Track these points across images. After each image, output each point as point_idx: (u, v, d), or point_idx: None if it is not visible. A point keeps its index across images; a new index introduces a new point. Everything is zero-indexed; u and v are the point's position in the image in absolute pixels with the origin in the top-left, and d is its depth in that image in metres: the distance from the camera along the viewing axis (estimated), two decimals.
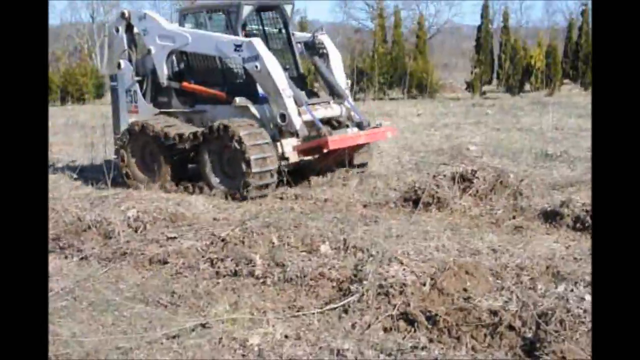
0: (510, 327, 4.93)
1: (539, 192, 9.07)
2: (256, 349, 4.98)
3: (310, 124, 9.93)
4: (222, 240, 7.18)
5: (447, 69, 37.87)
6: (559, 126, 15.69)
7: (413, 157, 12.63)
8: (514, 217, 8.06)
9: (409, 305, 5.37)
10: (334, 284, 6.03)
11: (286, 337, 5.15)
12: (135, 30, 11.37)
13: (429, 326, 5.15)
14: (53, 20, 53.21)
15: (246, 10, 10.45)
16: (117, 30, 11.47)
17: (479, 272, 5.85)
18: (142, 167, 10.93)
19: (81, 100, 27.48)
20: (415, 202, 8.52)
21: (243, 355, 4.93)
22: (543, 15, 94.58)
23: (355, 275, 5.97)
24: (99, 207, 8.61)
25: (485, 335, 4.97)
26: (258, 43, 9.98)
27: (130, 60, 11.40)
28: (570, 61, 27.45)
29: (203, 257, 6.88)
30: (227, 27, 10.55)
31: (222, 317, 5.51)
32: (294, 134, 9.94)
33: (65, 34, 49.60)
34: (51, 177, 11.73)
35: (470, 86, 27.43)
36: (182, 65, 11.26)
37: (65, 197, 9.47)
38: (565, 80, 27.95)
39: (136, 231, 7.94)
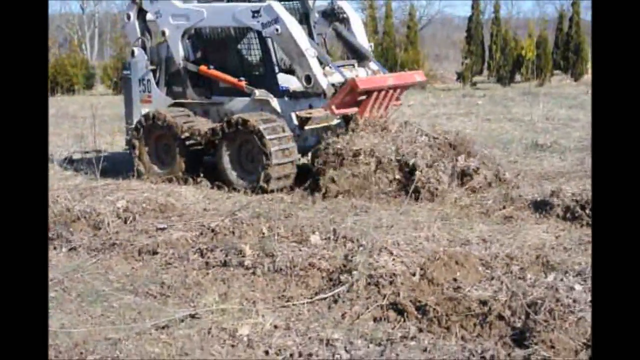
0: (500, 317, 4.94)
1: (529, 182, 9.09)
2: (245, 339, 4.97)
3: (337, 85, 9.44)
4: (212, 230, 7.17)
5: (438, 59, 37.81)
6: (550, 116, 15.70)
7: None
8: (504, 207, 8.06)
9: (398, 295, 5.38)
10: (324, 274, 6.01)
11: (276, 327, 5.15)
12: (149, 16, 10.96)
13: (419, 316, 5.16)
14: (55, 11, 52.80)
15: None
16: (129, 18, 11.06)
17: (469, 262, 5.86)
18: (154, 159, 10.55)
19: (71, 91, 27.29)
20: (407, 192, 8.49)
21: (232, 346, 4.92)
22: (534, 6, 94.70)
23: (345, 266, 5.96)
24: (88, 197, 8.56)
25: (475, 324, 4.97)
26: (276, 5, 9.59)
27: (144, 48, 10.96)
28: (560, 52, 27.45)
29: (193, 247, 6.86)
30: None
31: (212, 308, 5.50)
32: (321, 94, 9.52)
33: (55, 24, 49.29)
34: None
35: (461, 77, 27.40)
36: (198, 54, 10.79)
37: (54, 187, 9.42)
38: (556, 71, 27.94)
39: (125, 222, 7.90)
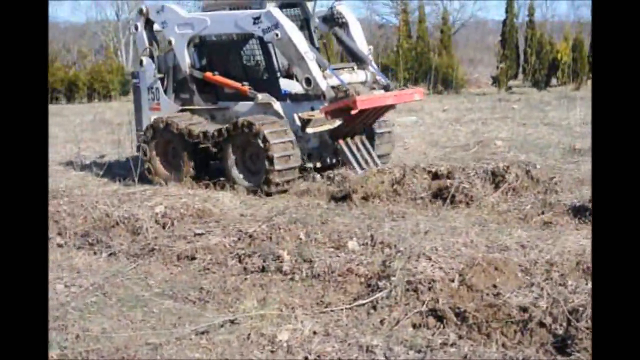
0: (541, 324, 4.90)
1: (567, 188, 9.00)
2: (285, 344, 4.98)
3: (337, 88, 9.72)
4: (250, 236, 7.21)
5: (472, 63, 37.60)
6: (587, 121, 15.52)
7: (440, 152, 12.58)
8: (542, 213, 7.99)
9: (437, 301, 5.35)
10: (362, 280, 6.02)
11: (315, 333, 5.15)
12: (156, 26, 11.34)
13: (458, 322, 5.13)
14: (79, 18, 53.56)
15: (269, 7, 10.25)
16: (137, 28, 11.48)
17: (508, 268, 5.82)
18: (164, 164, 10.91)
19: (107, 97, 27.62)
20: (444, 198, 8.47)
21: (272, 351, 4.93)
22: (569, 9, 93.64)
23: (383, 271, 5.95)
24: (127, 203, 8.65)
25: (515, 331, 4.93)
26: (276, 11, 9.92)
27: (152, 58, 11.35)
28: None
29: (231, 253, 6.90)
30: None
31: (251, 313, 5.52)
32: (321, 96, 9.73)
33: (91, 31, 49.86)
34: (79, 174, 11.83)
35: (496, 81, 27.23)
36: (204, 61, 11.17)
37: (93, 193, 9.52)
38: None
39: (164, 227, 7.97)
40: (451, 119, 17.85)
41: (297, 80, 9.92)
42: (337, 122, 9.88)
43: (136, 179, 10.11)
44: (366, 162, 10.30)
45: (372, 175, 9.35)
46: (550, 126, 15.36)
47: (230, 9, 10.89)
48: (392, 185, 9.08)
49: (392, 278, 5.70)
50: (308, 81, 9.69)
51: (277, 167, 9.55)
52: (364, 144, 10.53)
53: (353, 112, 9.57)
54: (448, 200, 8.37)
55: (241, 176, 10.08)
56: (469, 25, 58.52)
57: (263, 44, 10.39)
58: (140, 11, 11.46)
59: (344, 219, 7.90)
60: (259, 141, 9.63)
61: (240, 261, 6.69)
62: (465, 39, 53.97)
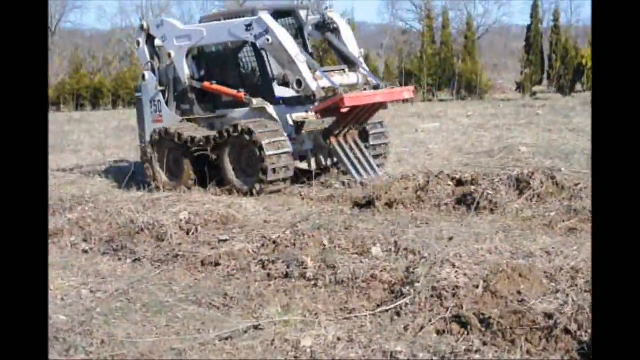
0: (566, 331, 4.85)
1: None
2: (309, 350, 4.98)
3: (327, 89, 10.07)
4: (273, 242, 7.22)
5: (496, 69, 37.48)
6: None
7: (464, 159, 12.54)
8: (567, 219, 7.94)
9: (462, 307, 5.32)
10: (386, 286, 6.00)
11: (338, 339, 5.13)
12: (157, 42, 11.77)
13: (483, 329, 5.09)
14: (104, 25, 54.04)
15: (260, 14, 10.62)
16: (139, 44, 11.93)
17: (532, 274, 5.78)
18: (166, 171, 11.30)
19: (132, 104, 27.79)
20: (468, 205, 8.44)
21: (295, 357, 4.93)
22: None
23: (407, 278, 5.94)
24: (151, 209, 8.71)
25: (540, 338, 4.89)
26: (267, 17, 10.33)
27: (153, 71, 11.77)
28: None
29: (254, 259, 6.91)
30: None
31: (275, 319, 5.52)
32: (311, 97, 10.09)
33: (116, 39, 50.21)
34: (104, 180, 11.92)
35: (520, 87, 27.14)
36: (202, 72, 11.62)
37: (118, 199, 9.60)
38: None
39: (188, 233, 8.01)
40: (475, 124, 17.80)
41: (290, 82, 10.25)
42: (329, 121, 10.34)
43: (161, 185, 10.17)
44: (360, 163, 10.59)
45: (396, 181, 9.38)
46: (575, 132, 15.27)
47: (225, 19, 11.37)
48: (415, 191, 9.08)
49: (416, 284, 5.69)
50: (299, 83, 10.08)
51: (270, 165, 10.00)
52: (357, 144, 10.78)
53: (343, 110, 9.93)
54: (472, 207, 8.33)
55: (235, 176, 10.52)
56: (493, 31, 58.46)
57: (257, 52, 10.85)
58: (142, 27, 11.91)
59: (368, 225, 7.89)
60: (250, 142, 10.13)
61: (264, 267, 6.71)
62: (489, 44, 53.86)
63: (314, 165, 10.98)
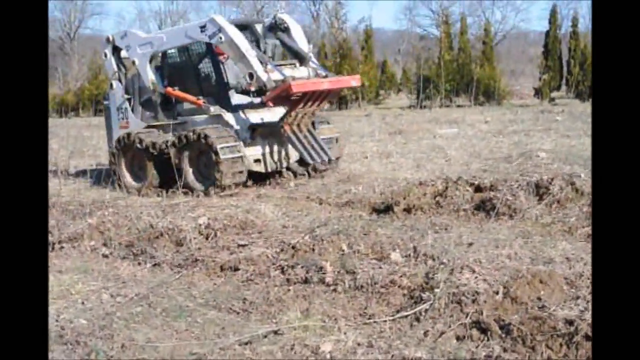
0: (587, 337, 4.82)
1: None
2: (328, 356, 4.97)
3: (277, 81, 10.55)
4: (292, 247, 7.23)
5: (514, 75, 37.43)
6: None
7: (482, 164, 12.51)
8: (587, 225, 7.90)
9: (481, 313, 5.31)
10: (405, 291, 5.99)
11: (358, 344, 5.13)
12: (123, 53, 12.45)
13: (503, 335, 5.08)
14: None
15: (213, 15, 11.34)
16: (106, 55, 12.66)
17: (553, 280, 5.76)
18: (132, 175, 11.91)
19: None
20: (487, 210, 8.42)
21: None
22: None
23: (426, 283, 5.93)
24: (170, 214, 8.75)
25: (560, 345, 4.87)
26: (219, 18, 11.08)
27: (120, 81, 12.49)
28: None
29: (273, 264, 6.92)
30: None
31: (294, 324, 5.52)
32: (263, 87, 10.69)
33: None
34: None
35: (538, 92, 27.07)
36: (165, 82, 12.13)
37: (137, 204, 9.65)
38: None
39: (207, 238, 8.03)
40: (493, 130, 17.76)
41: (243, 76, 10.93)
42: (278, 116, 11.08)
43: (180, 190, 10.23)
44: (313, 148, 11.08)
45: (414, 187, 9.38)
46: None
47: None
48: (434, 197, 9.09)
49: (436, 290, 5.68)
50: (251, 76, 10.64)
51: (224, 170, 10.56)
52: (310, 132, 11.30)
53: (292, 97, 10.46)
54: (492, 213, 8.32)
55: (194, 179, 11.10)
56: (511, 37, 58.30)
57: (214, 62, 11.58)
58: (107, 39, 12.65)
59: (387, 231, 7.88)
60: (207, 146, 10.69)
61: (283, 272, 6.71)
62: (507, 50, 53.73)
63: (269, 169, 11.57)
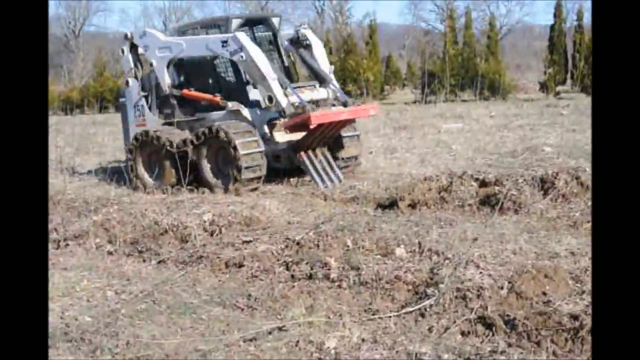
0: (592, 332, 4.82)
1: None
2: (333, 352, 4.97)
3: (296, 105, 10.53)
4: (297, 243, 7.22)
5: (519, 69, 37.30)
6: None
7: (487, 159, 12.48)
8: None
9: (486, 309, 5.30)
10: (410, 287, 5.99)
11: (363, 340, 5.13)
12: (140, 50, 12.32)
13: (508, 330, 5.07)
14: (127, 28, 54.25)
15: (235, 23, 11.44)
16: (123, 52, 12.49)
17: (558, 275, 5.74)
18: (149, 173, 11.76)
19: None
20: (492, 205, 8.40)
21: (320, 358, 4.93)
22: None
23: (431, 279, 5.93)
24: (175, 211, 8.75)
25: (566, 340, 4.86)
26: (241, 36, 10.89)
27: (136, 78, 12.34)
28: None
29: (278, 260, 6.93)
30: None
31: (299, 320, 5.52)
32: (281, 112, 10.65)
33: None
34: (128, 182, 11.96)
35: (543, 87, 26.98)
36: (182, 78, 12.17)
37: (142, 201, 9.65)
38: None
39: (212, 235, 8.04)
40: (498, 125, 17.72)
41: (261, 98, 10.80)
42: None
43: (184, 187, 10.23)
44: (326, 173, 11.02)
45: (419, 182, 9.36)
46: None
47: (201, 27, 12.04)
48: (439, 192, 9.06)
49: (441, 285, 5.68)
50: (270, 99, 10.62)
51: (243, 164, 10.41)
52: (325, 156, 11.25)
53: (310, 126, 10.42)
54: (496, 208, 8.30)
55: (212, 175, 10.98)
56: (516, 31, 58.15)
57: (232, 60, 11.31)
58: (125, 36, 12.47)
59: (391, 226, 7.87)
60: (225, 142, 10.59)
61: (287, 268, 6.72)
62: (512, 44, 53.62)
63: (287, 165, 11.44)
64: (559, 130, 15.81)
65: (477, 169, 10.88)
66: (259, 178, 10.70)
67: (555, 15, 27.83)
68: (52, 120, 24.85)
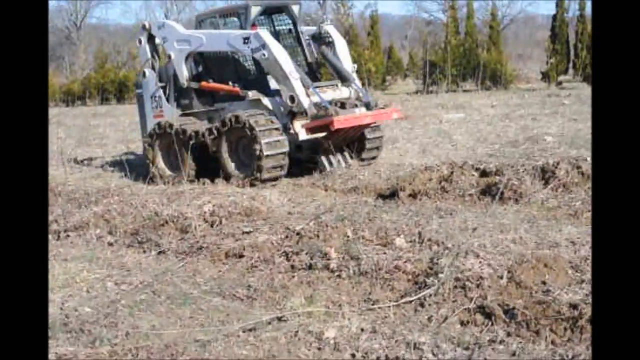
0: (591, 321, 4.81)
1: None
2: (332, 342, 4.97)
3: (319, 105, 10.45)
4: (297, 234, 7.22)
5: (521, 59, 37.19)
6: None
7: (488, 149, 12.47)
8: None
9: (486, 298, 5.30)
10: (410, 277, 5.98)
11: (362, 330, 5.13)
12: (157, 40, 12.21)
13: (507, 320, 5.07)
14: (129, 20, 54.41)
15: (254, 11, 11.18)
16: (140, 42, 12.38)
17: (557, 264, 5.74)
18: (167, 164, 11.67)
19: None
20: (492, 195, 8.39)
21: (319, 349, 4.93)
22: None
23: (431, 268, 5.92)
24: (175, 202, 8.74)
25: (565, 329, 4.86)
26: (264, 33, 10.78)
27: (153, 68, 12.22)
28: None
29: (278, 250, 6.92)
30: (240, 28, 11.21)
31: (298, 311, 5.52)
32: (303, 113, 10.53)
33: None
34: (129, 173, 11.98)
35: (545, 76, 26.92)
36: (200, 68, 12.01)
37: (142, 192, 9.64)
38: None
39: (212, 225, 8.03)
40: (500, 115, 17.69)
41: (283, 97, 10.66)
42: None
43: (185, 178, 10.23)
44: (338, 163, 11.10)
45: (420, 172, 9.36)
46: None
47: (220, 16, 11.90)
48: (439, 182, 9.06)
49: (440, 275, 5.67)
50: (292, 99, 10.51)
51: (266, 152, 10.30)
52: (344, 158, 11.28)
53: (332, 129, 10.35)
54: (497, 197, 8.28)
55: (234, 167, 10.86)
56: (518, 21, 58.01)
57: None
58: (144, 27, 12.36)
59: (391, 216, 7.86)
60: (247, 131, 10.46)
61: (287, 259, 6.71)
62: (514, 34, 53.49)
63: (309, 156, 11.34)
64: (561, 120, 15.79)
65: (478, 158, 10.89)
66: (282, 155, 10.55)
67: (557, 5, 27.75)
68: (54, 111, 24.84)
